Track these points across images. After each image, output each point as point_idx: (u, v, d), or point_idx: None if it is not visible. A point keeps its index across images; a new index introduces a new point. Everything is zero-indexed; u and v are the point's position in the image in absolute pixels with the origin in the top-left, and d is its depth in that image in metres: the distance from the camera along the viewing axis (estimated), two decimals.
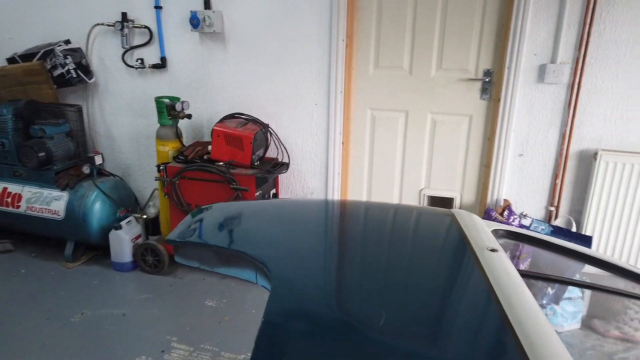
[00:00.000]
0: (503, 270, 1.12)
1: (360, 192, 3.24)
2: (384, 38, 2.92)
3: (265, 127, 3.05)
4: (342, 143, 3.09)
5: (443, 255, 1.22)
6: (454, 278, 1.12)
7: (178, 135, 3.09)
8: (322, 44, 2.94)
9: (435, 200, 3.13)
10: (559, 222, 2.80)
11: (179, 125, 3.11)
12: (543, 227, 2.75)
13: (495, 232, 1.44)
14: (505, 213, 2.79)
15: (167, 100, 3.01)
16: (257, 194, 2.88)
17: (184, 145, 3.14)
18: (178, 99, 3.07)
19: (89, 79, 3.40)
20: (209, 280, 3.10)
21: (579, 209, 2.76)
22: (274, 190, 3.19)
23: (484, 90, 2.82)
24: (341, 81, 2.96)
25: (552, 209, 2.79)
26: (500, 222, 2.77)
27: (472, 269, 1.13)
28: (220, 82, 3.22)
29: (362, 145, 3.15)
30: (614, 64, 2.53)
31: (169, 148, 3.07)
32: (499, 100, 2.74)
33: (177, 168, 2.94)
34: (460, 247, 1.25)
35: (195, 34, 3.16)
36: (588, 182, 2.67)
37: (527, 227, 2.77)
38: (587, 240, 2.60)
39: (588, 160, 2.67)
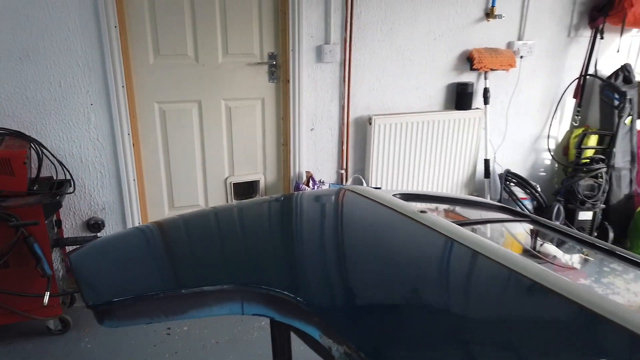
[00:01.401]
0: (448, 225, 1.30)
1: (160, 195, 2.94)
2: (162, 24, 2.66)
3: (32, 141, 2.40)
4: (133, 145, 2.72)
5: (395, 229, 1.31)
6: (426, 243, 1.23)
7: None
8: (89, 32, 2.47)
9: (242, 186, 3.13)
10: (350, 182, 3.23)
11: None
12: None
13: (396, 197, 1.62)
14: (310, 183, 3.05)
15: None
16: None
17: None
18: None
19: None
20: None
21: (362, 167, 3.25)
22: (54, 217, 2.56)
23: (271, 73, 2.94)
24: (121, 74, 2.57)
25: (343, 171, 3.20)
26: None
27: (428, 232, 1.27)
28: None
29: (155, 143, 2.84)
30: (370, 42, 3.02)
31: None
32: (288, 81, 2.91)
33: None
34: (398, 217, 1.36)
35: None
36: (366, 143, 3.17)
37: None
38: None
39: (364, 125, 3.16)
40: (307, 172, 3.09)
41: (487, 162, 3.49)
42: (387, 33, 3.04)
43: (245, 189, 3.18)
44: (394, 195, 1.61)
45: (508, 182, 3.45)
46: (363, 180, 3.21)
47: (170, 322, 1.07)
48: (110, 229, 2.83)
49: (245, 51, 2.86)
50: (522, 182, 3.44)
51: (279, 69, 2.94)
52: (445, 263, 1.11)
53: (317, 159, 3.14)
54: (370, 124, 3.08)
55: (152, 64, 2.71)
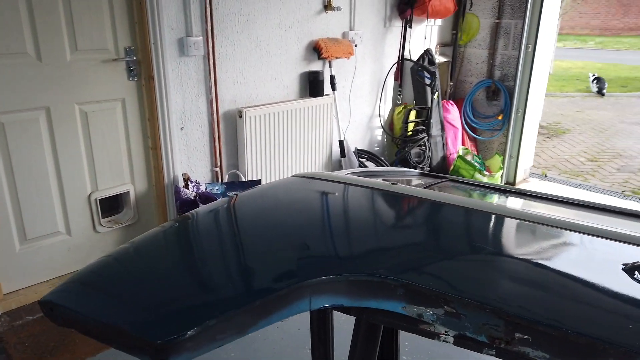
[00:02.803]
0: (420, 190, 1.47)
1: (7, 227, 2.38)
2: None
3: None
4: None
5: (388, 199, 1.40)
6: (419, 208, 1.36)
7: None
8: None
9: (108, 201, 2.74)
10: (227, 179, 3.13)
11: None
12: (217, 187, 3.02)
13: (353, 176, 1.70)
14: (190, 186, 2.86)
15: None
16: None
17: None
18: None
19: None
20: None
21: (235, 162, 3.18)
22: None
23: (130, 70, 2.63)
24: None
25: (217, 169, 3.08)
26: (189, 197, 2.83)
27: (414, 199, 1.41)
28: None
29: None
30: (230, 34, 2.96)
31: None
32: (151, 78, 2.65)
33: None
34: (376, 193, 1.46)
35: None
36: (237, 137, 3.11)
37: (205, 192, 2.95)
38: (258, 183, 3.10)
39: (233, 119, 3.09)
40: (184, 174, 2.88)
41: (341, 142, 3.79)
42: (244, 24, 3.02)
43: (110, 204, 2.80)
44: (348, 175, 1.69)
45: (361, 159, 3.83)
46: (240, 175, 3.16)
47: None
48: None
49: (98, 47, 2.49)
50: (372, 157, 3.86)
51: (139, 65, 2.65)
52: (439, 212, 1.28)
53: (190, 160, 2.96)
54: (240, 117, 3.03)
55: None
